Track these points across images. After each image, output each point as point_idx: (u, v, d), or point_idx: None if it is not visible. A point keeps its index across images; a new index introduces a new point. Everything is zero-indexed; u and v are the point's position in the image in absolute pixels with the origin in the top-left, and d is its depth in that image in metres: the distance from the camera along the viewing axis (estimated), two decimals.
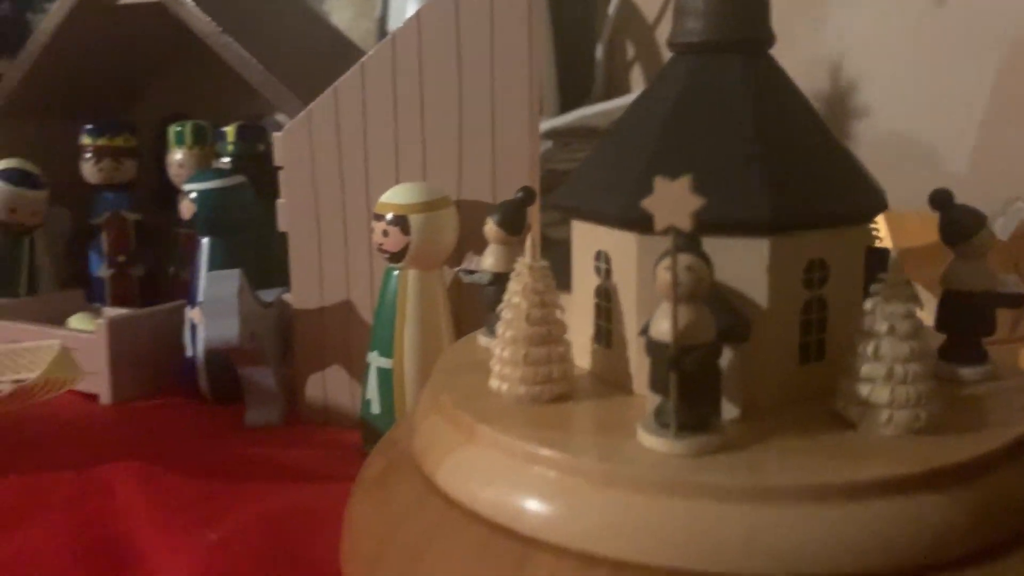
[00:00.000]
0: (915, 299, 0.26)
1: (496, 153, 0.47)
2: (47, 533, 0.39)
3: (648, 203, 0.24)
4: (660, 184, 0.23)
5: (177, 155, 0.67)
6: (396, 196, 0.46)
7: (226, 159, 0.64)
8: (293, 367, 0.55)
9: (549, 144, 0.83)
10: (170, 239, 0.71)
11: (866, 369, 0.26)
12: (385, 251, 0.46)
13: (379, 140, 0.50)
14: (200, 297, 0.56)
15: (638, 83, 1.00)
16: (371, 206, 0.50)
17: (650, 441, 0.25)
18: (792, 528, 0.22)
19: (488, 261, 0.39)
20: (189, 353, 0.58)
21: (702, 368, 0.25)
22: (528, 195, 0.40)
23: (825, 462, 0.24)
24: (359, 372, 0.52)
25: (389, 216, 0.45)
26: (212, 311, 0.49)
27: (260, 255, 0.59)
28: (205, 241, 0.57)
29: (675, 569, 0.22)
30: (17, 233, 0.64)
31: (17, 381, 0.41)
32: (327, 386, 0.54)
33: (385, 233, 0.45)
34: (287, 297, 0.55)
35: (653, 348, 0.25)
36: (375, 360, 0.47)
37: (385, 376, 0.47)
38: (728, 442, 0.25)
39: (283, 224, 0.54)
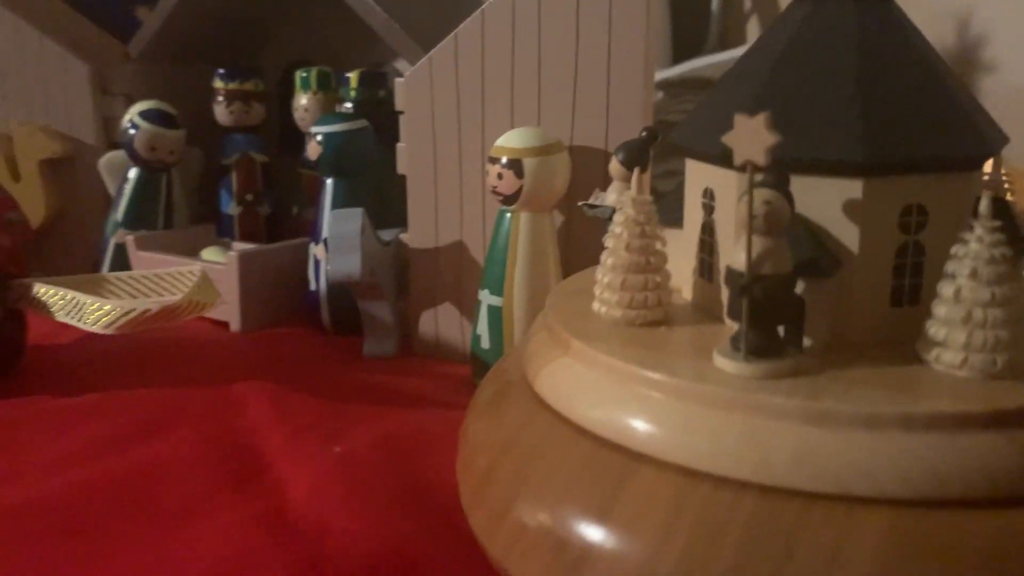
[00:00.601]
0: (1008, 245, 0.26)
1: (610, 101, 0.48)
2: (186, 440, 0.43)
3: (728, 138, 0.25)
4: (739, 120, 0.25)
5: (302, 100, 0.70)
6: (511, 140, 0.47)
7: (348, 104, 0.67)
8: (408, 303, 0.58)
9: (660, 95, 0.83)
10: (294, 180, 0.75)
11: (945, 311, 0.26)
12: (499, 194, 0.48)
13: (496, 86, 0.51)
14: (324, 234, 0.60)
15: (754, 35, 0.98)
16: (486, 150, 0.52)
17: (721, 363, 0.27)
18: (840, 450, 0.23)
19: (611, 197, 0.40)
20: (312, 287, 0.61)
21: (773, 297, 0.26)
22: (651, 135, 0.41)
23: (886, 394, 0.25)
24: (469, 309, 0.55)
25: (504, 160, 0.47)
26: (336, 246, 0.52)
27: (379, 196, 0.62)
28: (329, 182, 0.61)
29: (734, 479, 0.24)
30: (156, 170, 0.69)
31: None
32: (439, 322, 0.57)
33: (499, 176, 0.47)
34: (404, 237, 0.58)
35: (729, 276, 0.27)
36: (486, 298, 0.49)
37: (495, 313, 0.49)
38: (799, 369, 0.26)
39: (402, 167, 0.56)
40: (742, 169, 0.25)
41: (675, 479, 0.24)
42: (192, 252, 0.67)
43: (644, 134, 0.41)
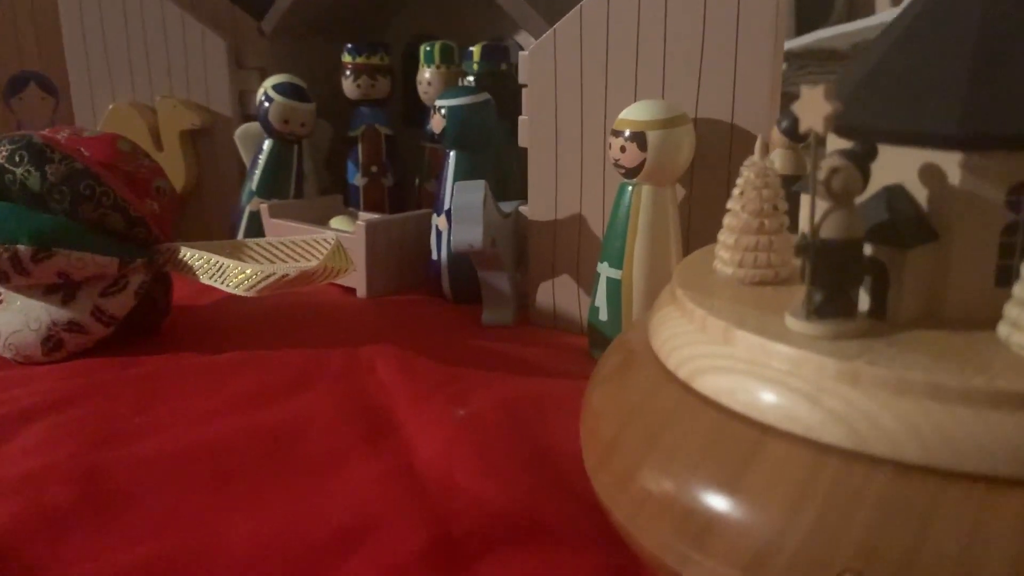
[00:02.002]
0: None
1: (738, 72, 0.48)
2: (322, 399, 0.45)
3: (795, 107, 0.26)
4: (804, 91, 0.26)
5: (426, 73, 0.72)
6: (635, 113, 0.48)
7: (471, 77, 0.68)
8: (526, 274, 0.59)
9: (784, 66, 0.81)
10: (416, 152, 0.77)
11: (1019, 291, 0.26)
12: (621, 167, 0.48)
13: (620, 59, 0.52)
14: (446, 205, 0.61)
15: (882, 6, 0.94)
16: (608, 123, 0.53)
17: (789, 321, 0.28)
18: (868, 411, 0.24)
19: (775, 163, 0.41)
20: (434, 256, 0.63)
21: (833, 260, 0.27)
22: None
23: (932, 364, 0.25)
24: (586, 281, 0.56)
25: (627, 132, 0.47)
26: (460, 217, 0.54)
27: (499, 169, 0.63)
28: (452, 154, 0.62)
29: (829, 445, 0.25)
30: (288, 142, 0.72)
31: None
32: (556, 293, 0.58)
33: (623, 149, 0.47)
34: (523, 209, 0.59)
35: (799, 236, 0.28)
36: (605, 271, 0.50)
37: (614, 286, 0.49)
38: (863, 332, 0.27)
39: (523, 140, 0.57)
40: (805, 135, 0.26)
41: (806, 451, 0.24)
42: (321, 221, 0.70)
43: None
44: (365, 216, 0.70)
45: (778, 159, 0.41)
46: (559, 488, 0.36)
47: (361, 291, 0.64)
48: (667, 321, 0.32)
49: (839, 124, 0.28)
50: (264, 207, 0.68)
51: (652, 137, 0.47)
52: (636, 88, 0.51)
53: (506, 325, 0.58)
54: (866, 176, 0.28)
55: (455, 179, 0.61)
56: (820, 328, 0.27)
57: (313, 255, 0.50)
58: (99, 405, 0.44)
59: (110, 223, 0.50)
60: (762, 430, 0.26)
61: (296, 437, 0.41)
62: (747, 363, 0.28)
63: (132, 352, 0.52)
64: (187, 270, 0.51)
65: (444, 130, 0.61)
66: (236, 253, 0.51)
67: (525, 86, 0.56)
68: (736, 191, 0.33)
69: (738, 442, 0.26)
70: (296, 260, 0.50)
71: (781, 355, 0.27)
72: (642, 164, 0.47)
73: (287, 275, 0.46)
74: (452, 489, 0.36)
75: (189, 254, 0.50)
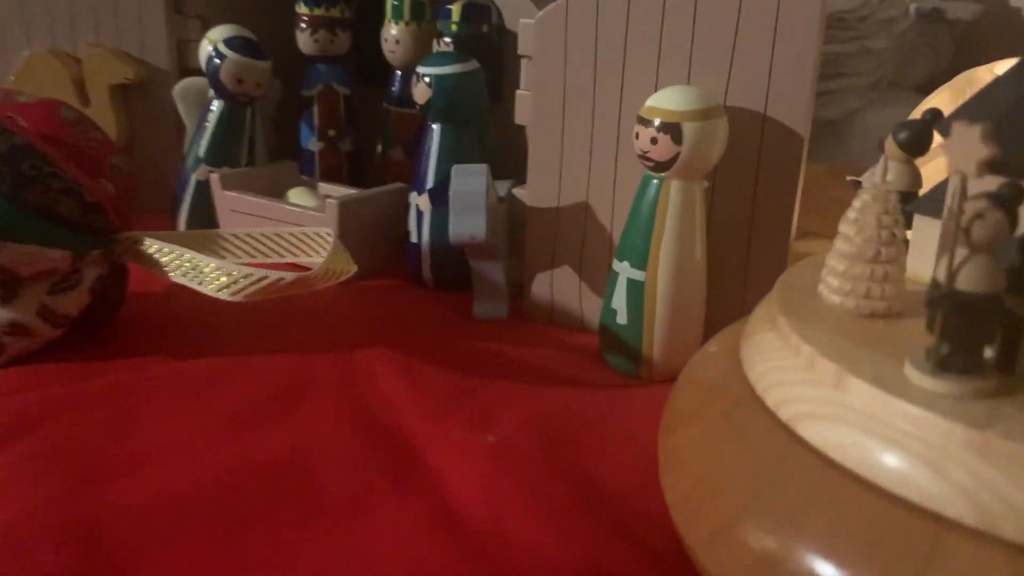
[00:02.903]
0: None
1: (775, 59, 0.44)
2: (325, 416, 0.40)
3: (944, 145, 0.24)
4: (957, 128, 0.23)
5: (392, 30, 0.65)
6: (668, 101, 0.43)
7: (447, 39, 0.62)
8: (520, 263, 0.54)
9: None
10: (375, 115, 0.70)
11: None
12: (650, 159, 0.44)
13: (642, 37, 0.47)
14: (429, 184, 0.56)
15: None
16: (624, 107, 0.48)
17: (909, 371, 0.26)
18: (999, 488, 0.22)
19: (887, 178, 0.38)
20: (414, 239, 0.58)
21: (967, 315, 0.24)
22: (935, 116, 0.38)
23: None
24: (590, 275, 0.52)
25: (657, 122, 0.43)
26: (460, 205, 0.49)
27: (483, 144, 0.58)
28: (436, 128, 0.56)
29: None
30: (242, 104, 0.64)
31: (289, 263, 0.42)
32: (554, 286, 0.53)
33: (654, 140, 0.43)
34: (518, 192, 0.54)
35: (931, 286, 0.26)
36: (625, 271, 0.46)
37: (636, 288, 0.46)
38: (994, 392, 0.25)
39: (521, 117, 0.52)
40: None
41: (999, 553, 0.22)
42: (276, 191, 0.63)
43: (928, 116, 0.38)
44: (327, 188, 0.64)
45: (892, 173, 0.38)
46: (620, 534, 0.33)
47: None
48: (767, 351, 0.29)
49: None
50: (215, 177, 0.61)
51: (688, 130, 0.42)
52: (658, 71, 0.47)
53: (499, 319, 0.54)
54: (1014, 223, 0.25)
55: (440, 155, 0.56)
56: (946, 385, 0.25)
57: (303, 251, 0.44)
58: (68, 430, 0.38)
59: (62, 210, 0.43)
60: (938, 522, 0.23)
61: (306, 470, 0.36)
62: (861, 415, 0.25)
63: (86, 356, 0.45)
64: (152, 264, 0.44)
65: (429, 101, 0.55)
66: (211, 246, 0.45)
67: (527, 57, 0.51)
68: (851, 214, 0.30)
69: (912, 535, 0.23)
70: (282, 256, 0.45)
71: (902, 413, 0.24)
72: (675, 158, 0.43)
73: (282, 279, 0.40)
74: (506, 540, 0.32)
75: (155, 247, 0.44)
